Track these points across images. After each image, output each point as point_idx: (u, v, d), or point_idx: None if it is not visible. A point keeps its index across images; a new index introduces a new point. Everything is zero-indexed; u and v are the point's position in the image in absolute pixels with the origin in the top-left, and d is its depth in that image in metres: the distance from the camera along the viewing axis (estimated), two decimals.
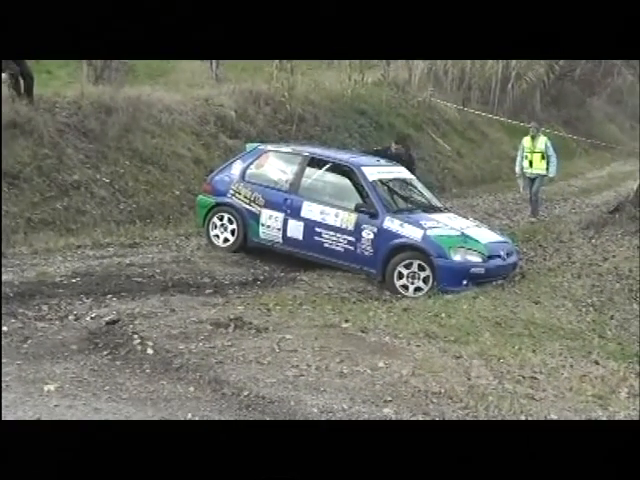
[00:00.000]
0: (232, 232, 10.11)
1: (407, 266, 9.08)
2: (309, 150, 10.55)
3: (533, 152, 14.21)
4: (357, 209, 9.48)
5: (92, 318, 6.80)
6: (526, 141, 14.42)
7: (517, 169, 14.63)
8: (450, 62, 23.05)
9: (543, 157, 14.13)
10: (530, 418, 5.19)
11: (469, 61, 23.31)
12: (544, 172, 14.21)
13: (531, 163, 14.23)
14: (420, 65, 21.99)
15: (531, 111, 25.97)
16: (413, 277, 9.05)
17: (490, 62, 23.87)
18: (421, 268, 9.03)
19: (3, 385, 5.11)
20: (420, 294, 8.90)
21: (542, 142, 14.26)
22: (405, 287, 9.05)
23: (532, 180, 14.41)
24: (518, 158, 14.53)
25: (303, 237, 9.69)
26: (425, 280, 9.00)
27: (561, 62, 26.53)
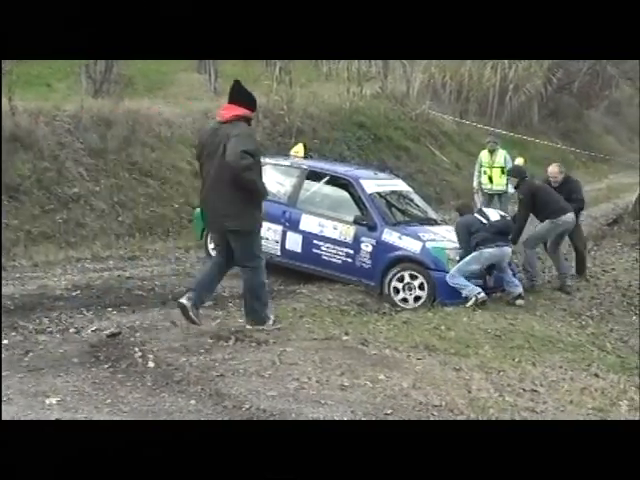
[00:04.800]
0: None
1: (400, 279, 9.09)
2: (307, 163, 10.56)
3: (492, 167, 13.22)
4: (355, 221, 9.50)
5: (93, 331, 6.81)
6: (484, 155, 13.42)
7: (475, 184, 13.57)
8: (448, 74, 23.12)
9: (503, 172, 12.92)
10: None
11: (467, 73, 23.39)
12: (505, 188, 13.00)
13: (491, 179, 13.23)
14: (418, 77, 22.07)
15: (529, 123, 26.02)
16: (409, 288, 9.07)
17: (488, 74, 23.93)
18: (413, 277, 9.05)
19: (4, 398, 5.11)
20: (420, 302, 8.92)
21: (501, 156, 13.26)
22: (405, 300, 9.06)
23: (491, 197, 13.33)
24: (475, 173, 13.54)
25: (301, 249, 9.71)
26: (421, 287, 9.00)
27: (559, 74, 26.62)
